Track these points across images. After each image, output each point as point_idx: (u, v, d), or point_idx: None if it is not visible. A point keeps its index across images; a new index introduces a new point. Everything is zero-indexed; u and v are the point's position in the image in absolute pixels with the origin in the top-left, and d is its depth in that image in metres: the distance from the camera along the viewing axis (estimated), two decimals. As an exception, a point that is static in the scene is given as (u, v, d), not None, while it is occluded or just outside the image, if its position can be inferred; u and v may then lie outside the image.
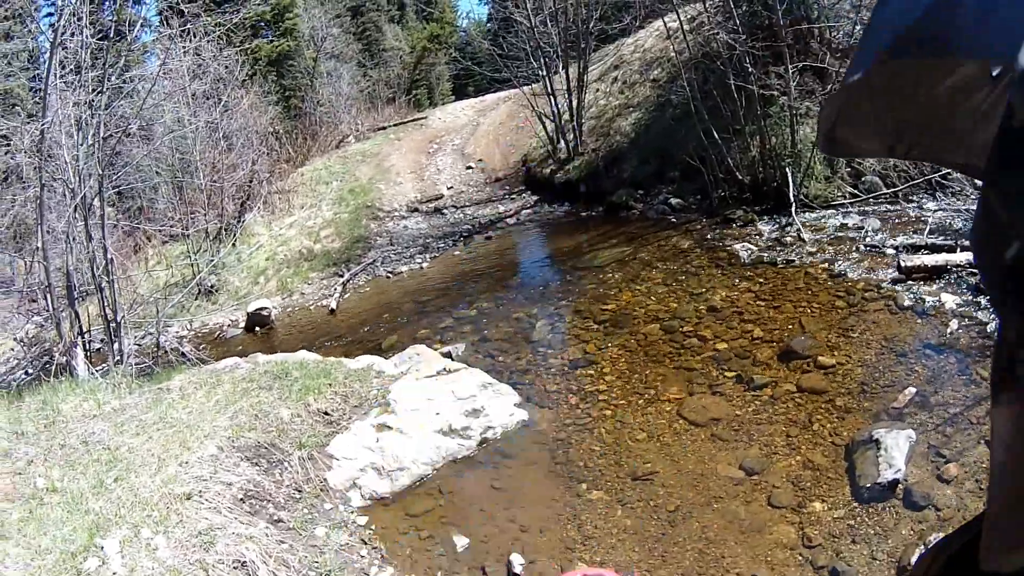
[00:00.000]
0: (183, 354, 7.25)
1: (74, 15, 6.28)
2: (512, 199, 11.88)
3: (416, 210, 12.33)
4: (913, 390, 3.90)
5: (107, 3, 8.57)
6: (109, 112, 6.84)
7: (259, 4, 14.01)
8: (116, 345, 6.47)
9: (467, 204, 12.21)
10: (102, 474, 3.44)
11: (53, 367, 6.04)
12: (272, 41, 21.62)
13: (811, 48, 7.91)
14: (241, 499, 3.45)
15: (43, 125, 6.04)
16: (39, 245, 6.38)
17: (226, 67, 13.00)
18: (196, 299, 10.23)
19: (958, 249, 5.30)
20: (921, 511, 3.12)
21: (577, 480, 3.89)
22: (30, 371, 7.08)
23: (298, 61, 21.70)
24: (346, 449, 4.11)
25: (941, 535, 2.88)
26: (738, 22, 7.75)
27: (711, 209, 8.02)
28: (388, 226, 11.73)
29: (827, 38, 8.09)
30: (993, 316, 4.17)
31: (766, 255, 6.38)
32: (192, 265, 10.38)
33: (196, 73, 11.91)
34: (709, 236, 7.31)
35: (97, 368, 6.16)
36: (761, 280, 5.89)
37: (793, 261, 6.08)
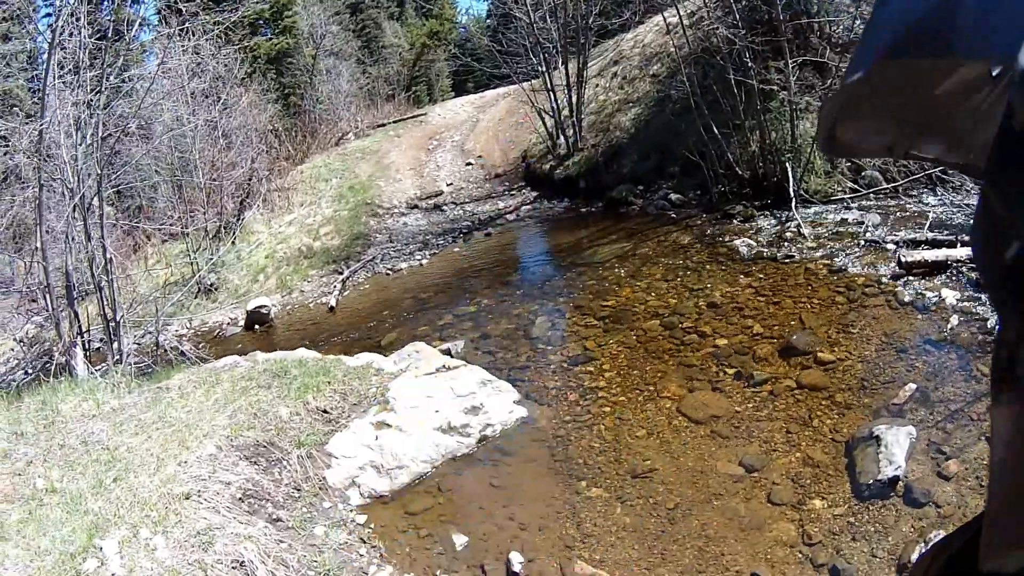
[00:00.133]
0: (182, 353, 7.25)
1: (72, 15, 6.26)
2: (512, 195, 11.85)
3: (416, 207, 12.31)
4: (913, 386, 3.88)
5: (105, 3, 8.54)
6: (108, 112, 6.83)
7: (258, 2, 14.02)
8: (115, 344, 6.46)
9: (467, 200, 12.19)
10: (101, 474, 3.44)
11: (52, 367, 6.05)
12: (271, 39, 21.61)
13: (811, 43, 7.89)
14: (240, 498, 3.44)
15: (42, 125, 6.03)
16: (38, 245, 6.38)
17: (225, 65, 12.96)
18: (195, 297, 10.22)
19: (959, 244, 5.28)
20: (921, 508, 3.11)
21: (576, 477, 3.89)
22: (29, 371, 7.07)
23: (297, 59, 21.68)
24: (345, 447, 4.10)
25: (942, 532, 2.87)
26: (738, 17, 7.73)
27: (711, 204, 8.00)
28: (388, 223, 11.71)
29: (827, 33, 8.06)
30: (993, 312, 4.15)
31: (766, 251, 6.36)
32: (191, 264, 10.39)
33: (195, 72, 11.86)
34: (709, 232, 7.29)
35: (96, 368, 6.16)
36: (761, 276, 5.87)
37: (793, 256, 6.06)
